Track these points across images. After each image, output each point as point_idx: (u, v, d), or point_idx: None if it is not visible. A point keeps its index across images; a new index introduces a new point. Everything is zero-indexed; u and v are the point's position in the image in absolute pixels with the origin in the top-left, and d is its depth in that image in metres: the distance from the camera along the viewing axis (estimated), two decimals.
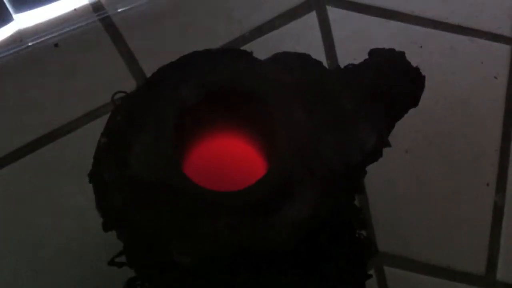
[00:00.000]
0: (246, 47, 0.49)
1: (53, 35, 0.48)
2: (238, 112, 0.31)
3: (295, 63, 0.32)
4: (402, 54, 0.33)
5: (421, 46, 0.50)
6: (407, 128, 0.47)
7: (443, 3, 0.51)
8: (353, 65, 0.33)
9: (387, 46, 0.50)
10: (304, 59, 0.32)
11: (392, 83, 0.32)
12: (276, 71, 0.31)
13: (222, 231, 0.27)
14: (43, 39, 0.48)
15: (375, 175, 0.46)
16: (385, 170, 0.46)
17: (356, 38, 0.50)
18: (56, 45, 0.48)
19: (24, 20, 0.48)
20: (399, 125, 0.48)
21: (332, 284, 0.31)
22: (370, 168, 0.45)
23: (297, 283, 0.30)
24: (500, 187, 0.46)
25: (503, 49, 0.50)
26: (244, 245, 0.28)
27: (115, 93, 0.34)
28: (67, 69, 0.47)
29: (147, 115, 0.30)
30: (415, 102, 0.33)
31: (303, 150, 0.29)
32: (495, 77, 0.49)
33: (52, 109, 0.46)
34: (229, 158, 0.34)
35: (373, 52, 0.33)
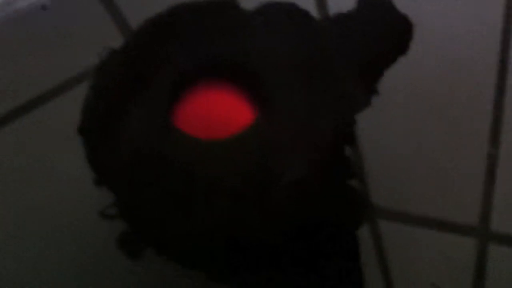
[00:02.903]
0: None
1: None
2: (225, 71, 0.31)
3: (282, 16, 0.32)
4: (389, 1, 0.33)
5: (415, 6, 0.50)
6: (402, 83, 0.47)
7: None
8: (340, 14, 0.33)
9: None
10: (291, 11, 0.32)
11: (380, 31, 0.32)
12: (267, 35, 0.31)
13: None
14: (31, 1, 0.48)
15: (370, 130, 0.46)
16: (379, 125, 0.46)
17: None
18: (43, 7, 0.48)
19: None
20: (394, 80, 0.48)
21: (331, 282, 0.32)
22: (365, 123, 0.45)
23: (297, 281, 0.31)
24: (494, 139, 0.47)
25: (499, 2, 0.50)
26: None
27: (103, 50, 0.35)
28: (56, 31, 0.47)
29: (139, 75, 0.31)
30: (403, 50, 0.34)
31: (296, 111, 0.29)
32: (489, 34, 0.49)
33: (42, 72, 0.46)
34: (220, 112, 0.34)
35: (360, 1, 0.33)
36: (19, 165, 0.44)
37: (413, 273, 0.43)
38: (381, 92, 0.47)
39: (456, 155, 0.46)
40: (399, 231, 0.45)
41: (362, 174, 0.46)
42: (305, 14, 0.32)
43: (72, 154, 0.44)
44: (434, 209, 0.45)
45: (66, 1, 0.48)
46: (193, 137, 0.29)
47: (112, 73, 0.30)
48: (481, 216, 0.45)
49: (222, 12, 0.31)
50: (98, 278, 0.38)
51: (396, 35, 0.32)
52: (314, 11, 0.50)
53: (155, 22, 0.31)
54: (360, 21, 0.32)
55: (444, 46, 0.49)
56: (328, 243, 0.33)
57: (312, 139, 0.29)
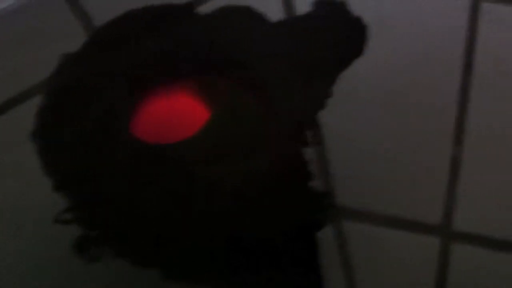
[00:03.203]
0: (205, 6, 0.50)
1: (10, 1, 0.48)
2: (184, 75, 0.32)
3: (238, 17, 0.32)
4: (343, 4, 0.33)
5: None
6: (366, 83, 0.48)
7: None
8: (296, 17, 0.33)
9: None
10: (246, 12, 0.33)
11: (334, 34, 0.33)
12: (218, 31, 0.31)
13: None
14: (3, 5, 0.48)
15: (334, 130, 0.47)
16: (344, 125, 0.47)
17: None
18: (14, 12, 0.48)
19: None
20: (358, 79, 0.48)
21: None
22: (329, 124, 0.46)
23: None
24: (458, 139, 0.48)
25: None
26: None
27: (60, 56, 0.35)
28: (24, 34, 0.47)
29: (94, 78, 0.31)
30: (358, 53, 0.34)
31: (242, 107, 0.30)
32: (455, 30, 0.50)
33: (8, 77, 0.46)
34: (180, 114, 0.35)
35: (316, 3, 0.34)
36: None
37: (377, 273, 0.44)
38: (346, 92, 0.47)
39: (420, 155, 0.47)
40: (364, 232, 0.45)
41: (327, 175, 0.46)
42: (259, 15, 0.32)
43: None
44: (398, 209, 0.46)
45: (36, 5, 0.48)
46: (146, 142, 0.29)
47: (65, 78, 0.30)
48: (444, 216, 0.46)
49: (177, 16, 0.31)
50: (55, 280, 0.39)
51: (350, 37, 0.33)
52: (281, 12, 0.50)
53: (108, 26, 0.31)
54: (314, 23, 0.32)
55: (409, 44, 0.49)
56: (286, 245, 0.33)
57: (264, 139, 0.29)
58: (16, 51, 0.47)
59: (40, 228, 0.39)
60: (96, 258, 0.34)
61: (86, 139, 0.30)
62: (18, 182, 0.43)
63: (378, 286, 0.44)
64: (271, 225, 0.32)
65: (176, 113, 0.34)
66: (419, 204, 0.46)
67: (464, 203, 0.46)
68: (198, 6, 0.49)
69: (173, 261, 0.31)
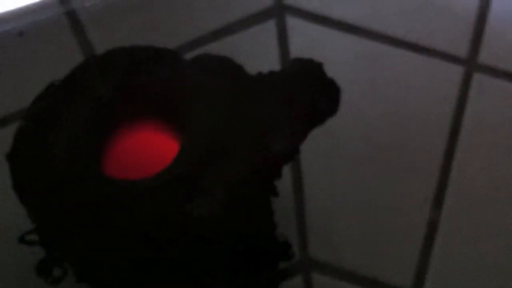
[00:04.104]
0: (204, 49, 0.52)
1: (18, 24, 0.51)
2: (154, 110, 0.34)
3: (215, 65, 0.34)
4: (319, 65, 0.35)
5: (375, 61, 0.52)
6: (352, 138, 0.50)
7: (401, 21, 0.54)
8: (272, 72, 0.35)
9: (343, 60, 0.53)
10: (224, 62, 0.35)
11: (307, 92, 0.34)
12: (196, 74, 0.33)
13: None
14: (7, 27, 0.51)
15: (314, 181, 0.48)
16: (325, 176, 0.48)
17: (312, 48, 0.52)
18: (20, 34, 0.51)
19: None
20: (346, 133, 0.50)
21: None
22: (310, 173, 0.47)
23: None
24: (437, 204, 0.49)
25: (456, 71, 0.52)
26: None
27: (51, 83, 0.37)
28: (28, 59, 0.50)
29: (65, 108, 0.33)
30: (332, 112, 0.36)
31: (210, 149, 0.31)
32: (445, 98, 0.51)
33: (7, 96, 0.49)
34: (150, 150, 0.37)
35: (294, 61, 0.36)
36: None
37: None
38: (330, 146, 0.49)
39: (397, 215, 0.48)
40: (332, 286, 0.46)
41: (303, 224, 0.47)
42: (237, 66, 0.35)
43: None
44: (369, 268, 0.46)
45: (39, 29, 0.51)
46: (114, 179, 0.31)
47: (42, 105, 0.32)
48: (415, 281, 0.47)
49: (159, 57, 0.34)
50: None
51: (324, 97, 0.35)
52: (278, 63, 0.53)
53: (90, 62, 0.33)
54: (288, 79, 0.34)
55: (398, 106, 0.51)
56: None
57: (228, 179, 0.31)
58: (12, 74, 0.50)
59: (3, 248, 0.41)
60: (57, 281, 0.35)
61: (55, 167, 0.32)
62: None
63: None
64: (232, 269, 0.34)
65: (144, 148, 0.36)
66: (391, 266, 0.47)
67: (436, 270, 0.47)
68: (191, 50, 0.52)
69: None
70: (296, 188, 0.48)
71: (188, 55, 0.51)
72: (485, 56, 0.53)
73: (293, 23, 0.53)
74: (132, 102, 0.33)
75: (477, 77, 0.52)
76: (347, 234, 0.47)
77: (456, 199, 0.49)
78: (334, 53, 0.53)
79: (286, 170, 0.49)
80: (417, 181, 0.49)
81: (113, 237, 0.31)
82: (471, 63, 0.53)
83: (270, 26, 0.53)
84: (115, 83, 0.33)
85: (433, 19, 0.55)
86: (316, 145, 0.49)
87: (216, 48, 0.52)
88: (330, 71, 0.48)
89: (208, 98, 0.33)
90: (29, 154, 0.32)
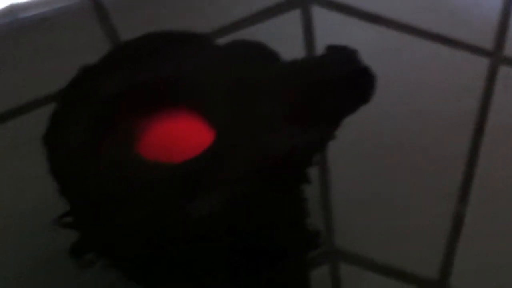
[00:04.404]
0: (229, 37, 0.52)
1: (43, 10, 0.51)
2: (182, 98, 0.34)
3: (249, 52, 0.34)
4: (354, 51, 0.35)
5: (400, 52, 0.52)
6: (377, 131, 0.50)
7: (427, 12, 0.54)
8: (307, 58, 0.35)
9: (368, 50, 0.53)
10: (259, 48, 0.35)
11: (341, 80, 0.34)
12: (226, 61, 0.33)
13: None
14: (33, 13, 0.51)
15: (340, 172, 0.48)
16: (351, 168, 0.48)
17: (337, 38, 0.52)
18: (44, 20, 0.51)
19: None
20: (371, 126, 0.50)
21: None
22: (336, 164, 0.47)
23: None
24: (463, 197, 0.49)
25: (482, 63, 0.52)
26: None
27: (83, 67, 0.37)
28: (53, 45, 0.50)
29: (98, 90, 0.33)
30: (364, 100, 0.36)
31: (227, 144, 0.31)
32: (470, 91, 0.51)
33: (32, 82, 0.49)
34: (183, 137, 0.37)
35: (328, 48, 0.36)
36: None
37: None
38: (356, 139, 0.49)
39: (423, 207, 0.48)
40: (359, 276, 0.46)
41: (329, 215, 0.47)
42: (271, 52, 0.35)
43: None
44: (396, 258, 0.47)
45: (65, 15, 0.51)
46: (149, 160, 0.31)
47: (79, 90, 0.33)
48: (441, 272, 0.47)
49: (191, 42, 0.34)
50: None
51: (358, 85, 0.35)
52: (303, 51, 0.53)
53: (125, 47, 0.33)
54: (324, 67, 0.34)
55: (423, 99, 0.51)
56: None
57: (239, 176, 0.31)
58: (39, 60, 0.50)
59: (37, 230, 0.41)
60: (89, 265, 0.35)
61: (93, 147, 0.32)
62: (19, 185, 0.45)
63: None
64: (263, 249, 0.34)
65: (180, 135, 0.36)
66: (417, 257, 0.47)
67: (462, 261, 0.47)
68: (219, 37, 0.52)
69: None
70: (322, 180, 0.48)
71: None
72: (511, 49, 0.53)
73: (318, 13, 0.53)
74: (164, 87, 0.33)
75: (503, 70, 0.52)
76: (373, 225, 0.47)
77: (481, 192, 0.49)
78: (358, 43, 0.52)
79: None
80: (443, 174, 0.49)
81: (150, 226, 0.31)
82: (497, 56, 0.53)
83: (295, 16, 0.53)
84: (148, 66, 0.33)
85: (459, 11, 0.54)
86: (341, 137, 0.49)
87: (241, 36, 0.52)
88: None
89: (233, 88, 0.33)
90: (64, 137, 0.32)
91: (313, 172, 0.49)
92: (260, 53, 0.35)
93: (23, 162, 0.46)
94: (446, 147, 0.50)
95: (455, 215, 0.48)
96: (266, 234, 0.33)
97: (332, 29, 0.53)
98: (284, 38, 0.52)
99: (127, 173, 0.32)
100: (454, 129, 0.50)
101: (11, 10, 0.51)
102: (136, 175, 0.31)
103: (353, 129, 0.49)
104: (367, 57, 0.52)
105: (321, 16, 0.53)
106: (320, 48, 0.52)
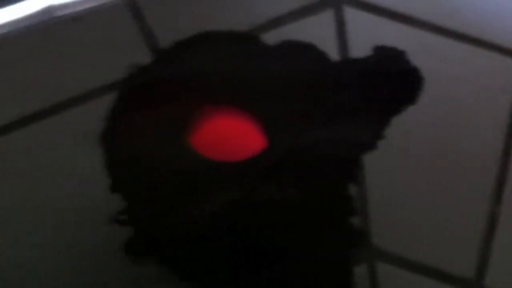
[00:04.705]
0: (263, 37, 0.53)
1: (78, 8, 0.52)
2: (239, 97, 0.34)
3: (299, 52, 0.35)
4: (403, 53, 0.36)
5: (432, 53, 0.53)
6: (413, 130, 0.50)
7: (458, 14, 0.54)
8: (357, 59, 0.36)
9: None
10: (309, 49, 0.35)
11: (390, 79, 0.35)
12: (280, 58, 0.34)
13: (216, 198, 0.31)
14: (69, 11, 0.52)
15: (377, 173, 0.49)
16: (387, 169, 0.49)
17: (369, 38, 0.52)
18: (79, 19, 0.52)
19: None
20: (406, 126, 0.50)
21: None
22: (373, 165, 0.48)
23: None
24: (497, 197, 0.49)
25: None
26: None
27: (131, 66, 0.38)
28: (89, 42, 0.51)
29: (154, 89, 0.34)
30: (412, 100, 0.36)
31: (295, 137, 0.32)
32: (502, 91, 0.52)
33: (70, 79, 0.50)
34: (232, 135, 0.37)
35: (377, 49, 0.36)
36: (43, 161, 0.47)
37: None
38: (391, 136, 0.50)
39: (459, 207, 0.48)
40: (396, 275, 0.47)
41: (366, 214, 0.48)
42: (321, 53, 0.35)
43: (90, 158, 0.47)
44: (432, 257, 0.47)
45: (100, 15, 0.52)
46: (206, 158, 0.32)
47: (135, 90, 0.33)
48: (477, 271, 0.47)
49: (242, 41, 0.34)
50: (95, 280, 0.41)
51: (406, 85, 0.35)
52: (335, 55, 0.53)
53: (180, 44, 0.34)
54: (373, 67, 0.35)
55: (457, 100, 0.51)
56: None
57: (310, 165, 0.32)
58: (75, 56, 0.51)
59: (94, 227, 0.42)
60: (141, 260, 0.36)
61: (150, 144, 0.32)
62: (73, 182, 0.46)
63: None
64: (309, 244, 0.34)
65: (233, 134, 0.37)
66: (453, 257, 0.47)
67: (497, 261, 0.47)
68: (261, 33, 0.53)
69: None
70: (360, 180, 0.48)
71: None
72: None
73: (351, 13, 0.54)
74: (218, 85, 0.34)
75: None
76: (410, 225, 0.48)
77: None
78: (391, 44, 0.53)
79: None
80: (477, 174, 0.49)
81: (199, 217, 0.32)
82: None
83: (328, 16, 0.54)
84: (203, 65, 0.33)
85: (490, 13, 0.55)
86: None
87: (275, 36, 0.52)
88: None
89: (290, 90, 0.34)
90: (121, 134, 0.33)
91: None
92: (311, 53, 0.35)
93: (79, 155, 0.47)
94: (479, 147, 0.50)
95: (490, 215, 0.48)
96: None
97: (365, 29, 0.53)
98: (317, 37, 0.52)
99: (183, 170, 0.32)
100: (488, 129, 0.51)
101: (49, 9, 0.52)
102: (194, 173, 0.32)
103: (390, 128, 0.50)
104: None
105: (354, 17, 0.53)
106: (352, 47, 0.53)
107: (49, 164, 0.47)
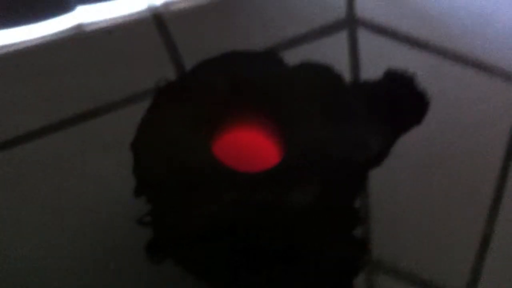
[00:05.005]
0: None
1: (107, 23, 0.56)
2: (260, 108, 0.38)
3: (316, 72, 0.38)
4: (412, 76, 0.39)
5: (439, 76, 0.56)
6: (416, 148, 0.53)
7: (466, 38, 0.57)
8: (367, 81, 0.39)
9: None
10: (326, 69, 0.39)
11: (399, 101, 0.38)
12: (299, 76, 0.37)
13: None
14: (98, 26, 0.55)
15: (379, 188, 0.52)
16: (391, 183, 0.52)
17: (381, 61, 0.56)
18: (109, 32, 0.55)
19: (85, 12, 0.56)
20: (410, 142, 0.54)
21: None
22: (375, 180, 0.51)
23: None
24: (492, 216, 0.52)
25: None
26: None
27: (159, 80, 0.41)
28: (116, 55, 0.54)
29: (182, 102, 0.37)
30: (417, 122, 0.40)
31: (312, 146, 0.35)
32: (502, 116, 0.55)
33: (96, 90, 0.53)
34: (251, 147, 0.41)
35: (388, 72, 0.40)
36: (71, 166, 0.50)
37: None
38: (396, 151, 0.53)
39: (455, 223, 0.51)
40: (392, 286, 0.50)
41: (368, 226, 0.51)
42: (338, 75, 0.39)
43: (115, 164, 0.50)
44: (427, 271, 0.50)
45: (129, 29, 0.55)
46: (230, 168, 0.35)
47: (166, 104, 0.36)
48: (469, 286, 0.50)
49: (266, 60, 0.38)
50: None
51: (413, 108, 0.39)
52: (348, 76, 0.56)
53: (208, 63, 0.37)
54: (383, 90, 0.38)
55: (459, 122, 0.54)
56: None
57: (323, 175, 0.35)
58: (102, 68, 0.54)
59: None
60: (160, 261, 0.39)
61: (175, 151, 0.36)
62: (97, 186, 0.49)
63: None
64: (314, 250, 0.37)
65: (251, 145, 0.40)
66: (447, 271, 0.50)
67: (489, 277, 0.50)
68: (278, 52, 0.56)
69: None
70: (362, 194, 0.51)
71: None
72: None
73: (364, 35, 0.57)
74: (243, 100, 0.37)
75: None
76: (408, 238, 0.51)
77: (510, 212, 0.52)
78: (401, 66, 0.56)
79: None
80: (474, 193, 0.52)
81: (217, 221, 0.35)
82: None
83: (342, 37, 0.57)
84: (230, 82, 0.37)
85: (495, 39, 0.58)
86: None
87: (290, 56, 0.56)
88: None
89: (307, 103, 0.37)
90: (150, 144, 0.36)
91: None
92: (328, 74, 0.38)
93: (105, 162, 0.50)
94: (478, 167, 0.53)
95: (484, 232, 0.51)
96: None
97: (377, 52, 0.56)
98: (330, 58, 0.56)
99: (204, 178, 0.35)
100: (485, 151, 0.54)
101: (79, 26, 0.55)
102: (212, 181, 0.35)
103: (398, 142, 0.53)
104: None
105: (367, 39, 0.57)
106: (364, 69, 0.56)
107: (77, 169, 0.50)
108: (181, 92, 0.37)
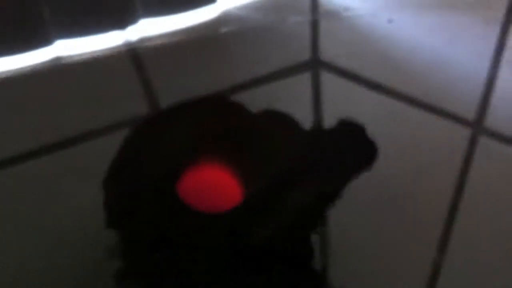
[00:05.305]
0: (244, 94, 0.60)
1: (84, 57, 0.59)
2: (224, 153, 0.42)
3: (277, 119, 0.42)
4: (363, 128, 0.43)
5: (394, 118, 0.60)
6: (371, 186, 0.57)
7: (421, 83, 0.62)
8: (323, 129, 0.43)
9: (367, 114, 0.61)
10: (286, 117, 0.43)
11: (351, 149, 0.43)
12: (261, 125, 0.42)
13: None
14: (75, 59, 0.59)
15: (338, 221, 0.56)
16: (347, 218, 0.56)
17: (341, 102, 0.60)
18: (84, 66, 0.59)
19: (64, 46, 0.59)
20: (366, 182, 0.58)
21: None
22: (335, 215, 0.55)
23: None
24: (442, 248, 0.56)
25: (463, 132, 0.61)
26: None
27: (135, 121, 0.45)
28: (92, 88, 0.58)
29: (157, 144, 0.41)
30: (368, 167, 0.44)
31: (269, 190, 0.39)
32: (452, 155, 0.60)
33: (69, 120, 0.56)
34: (215, 186, 0.44)
35: (341, 122, 0.44)
36: (46, 191, 0.53)
37: None
38: (353, 192, 0.57)
39: (406, 255, 0.56)
40: None
41: (327, 256, 0.55)
42: (295, 122, 0.43)
43: (90, 193, 0.53)
44: None
45: (105, 64, 0.59)
46: (194, 209, 0.39)
47: (137, 144, 0.40)
48: None
49: (228, 107, 0.42)
50: None
51: (363, 155, 0.43)
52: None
53: (177, 108, 0.41)
54: (333, 138, 0.42)
55: (412, 162, 0.59)
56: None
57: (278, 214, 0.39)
58: (78, 99, 0.57)
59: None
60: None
61: (146, 193, 0.39)
62: (73, 212, 0.52)
63: None
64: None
65: (213, 185, 0.44)
66: None
67: None
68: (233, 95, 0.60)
69: None
70: (321, 230, 0.55)
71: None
72: (491, 121, 0.62)
73: (327, 77, 0.61)
74: (210, 144, 0.41)
75: (482, 140, 0.61)
76: (364, 269, 0.55)
77: (458, 245, 0.57)
78: (359, 108, 0.61)
79: None
80: (425, 227, 0.57)
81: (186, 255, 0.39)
82: (477, 126, 0.62)
83: (305, 78, 0.61)
84: (198, 128, 0.41)
85: (448, 82, 0.63)
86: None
87: (254, 94, 0.60)
88: None
89: (267, 149, 0.41)
90: (120, 182, 0.40)
91: None
92: (286, 121, 0.42)
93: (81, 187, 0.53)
94: (429, 204, 0.58)
95: (434, 264, 0.56)
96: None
97: (338, 93, 0.61)
98: (293, 98, 0.60)
99: (171, 218, 0.39)
100: (436, 188, 0.58)
101: (57, 59, 0.58)
102: (179, 222, 0.39)
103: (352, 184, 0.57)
104: (367, 121, 0.61)
105: (329, 80, 0.61)
106: (325, 109, 0.60)
107: (54, 194, 0.53)
108: (152, 133, 0.41)
